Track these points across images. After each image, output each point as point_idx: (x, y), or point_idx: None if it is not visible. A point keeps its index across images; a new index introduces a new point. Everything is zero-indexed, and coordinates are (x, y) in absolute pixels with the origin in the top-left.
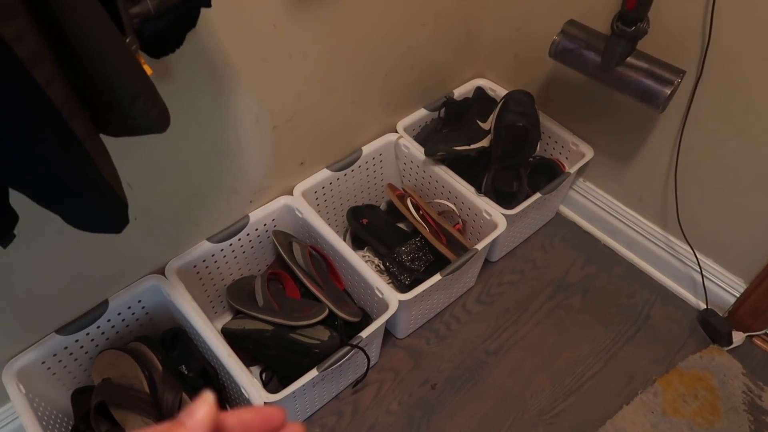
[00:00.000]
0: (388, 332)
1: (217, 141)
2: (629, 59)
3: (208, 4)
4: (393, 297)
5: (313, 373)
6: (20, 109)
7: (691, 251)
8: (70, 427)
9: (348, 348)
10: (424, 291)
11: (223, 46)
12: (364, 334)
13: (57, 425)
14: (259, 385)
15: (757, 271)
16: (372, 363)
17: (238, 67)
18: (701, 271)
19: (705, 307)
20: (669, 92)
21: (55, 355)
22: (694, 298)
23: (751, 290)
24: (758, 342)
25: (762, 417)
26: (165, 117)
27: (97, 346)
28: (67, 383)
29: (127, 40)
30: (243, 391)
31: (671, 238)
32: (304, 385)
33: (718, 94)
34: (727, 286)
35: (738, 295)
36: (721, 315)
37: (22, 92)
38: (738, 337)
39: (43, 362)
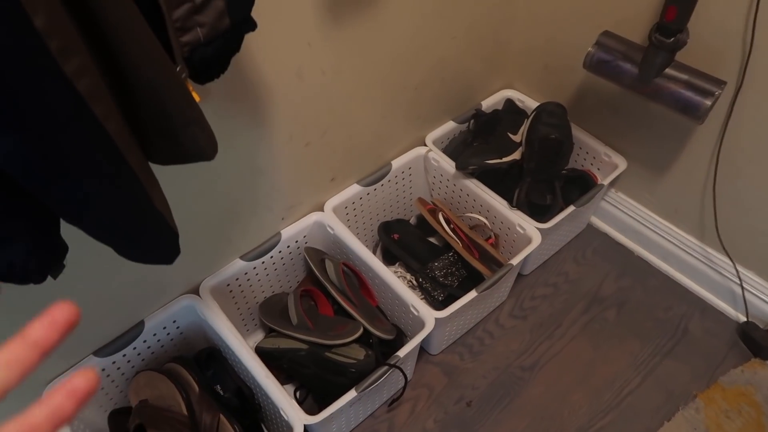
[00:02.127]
0: (421, 348)
1: (252, 158)
2: (668, 70)
3: (254, 28)
4: (429, 315)
5: (351, 393)
6: (79, 145)
7: (731, 263)
8: None
9: (386, 368)
10: (460, 308)
11: (259, 65)
12: (402, 353)
13: None
14: (297, 407)
15: None
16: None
17: (273, 84)
18: (741, 283)
19: (745, 319)
20: (710, 104)
21: None
22: (734, 310)
23: None
24: None
25: None
26: (213, 143)
27: (133, 367)
28: (104, 404)
29: (178, 69)
30: (282, 413)
31: (709, 249)
32: (341, 406)
33: (759, 105)
34: (767, 298)
35: None
36: (762, 328)
37: (82, 128)
38: None
39: None
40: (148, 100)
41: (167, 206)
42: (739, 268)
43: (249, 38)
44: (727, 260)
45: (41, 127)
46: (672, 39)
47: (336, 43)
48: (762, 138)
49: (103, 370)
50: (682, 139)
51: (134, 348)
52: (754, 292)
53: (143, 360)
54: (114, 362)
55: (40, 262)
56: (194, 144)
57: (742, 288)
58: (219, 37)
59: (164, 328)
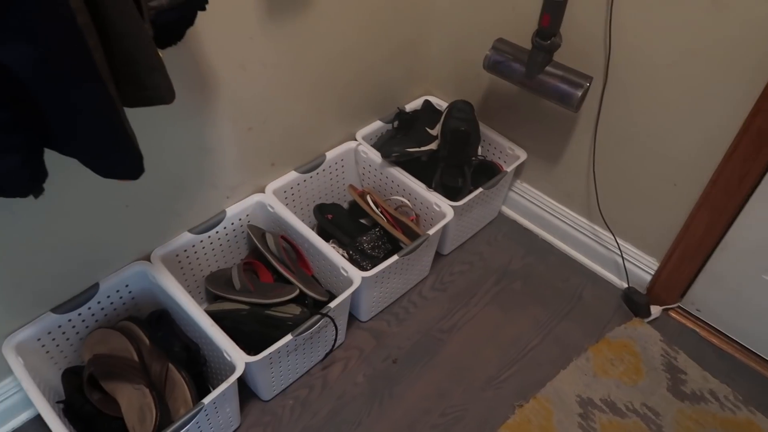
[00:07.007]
0: (352, 316)
1: (199, 137)
2: (548, 68)
3: (203, 7)
4: (356, 274)
5: (288, 338)
6: (75, 62)
7: (612, 237)
8: (60, 406)
9: (319, 316)
10: (383, 269)
11: (207, 55)
12: (333, 304)
13: (50, 402)
14: (239, 348)
15: (666, 250)
16: (338, 342)
17: (220, 72)
18: (621, 254)
19: (627, 285)
20: (580, 94)
21: (49, 333)
22: (618, 279)
23: (662, 268)
24: (672, 314)
25: (677, 375)
26: (172, 90)
27: (87, 327)
28: (59, 362)
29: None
30: (225, 355)
31: (596, 227)
32: (279, 349)
33: (620, 97)
34: (643, 266)
35: (653, 273)
36: (641, 292)
37: (80, 54)
38: (655, 310)
39: (39, 339)
40: (123, 46)
41: (133, 133)
42: (620, 241)
43: (199, 29)
44: (610, 235)
45: (51, 40)
46: (548, 41)
47: (275, 39)
48: (626, 124)
49: (59, 327)
50: (568, 131)
51: (89, 308)
52: (633, 261)
53: (96, 320)
54: (69, 320)
55: (31, 175)
56: (157, 89)
57: (623, 258)
58: (181, 5)
59: (117, 291)
